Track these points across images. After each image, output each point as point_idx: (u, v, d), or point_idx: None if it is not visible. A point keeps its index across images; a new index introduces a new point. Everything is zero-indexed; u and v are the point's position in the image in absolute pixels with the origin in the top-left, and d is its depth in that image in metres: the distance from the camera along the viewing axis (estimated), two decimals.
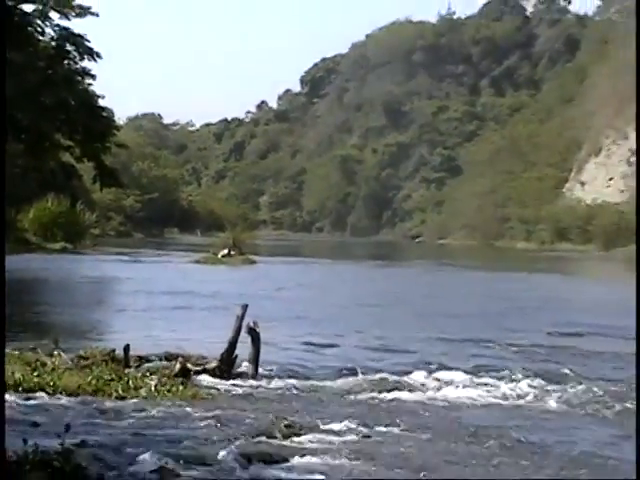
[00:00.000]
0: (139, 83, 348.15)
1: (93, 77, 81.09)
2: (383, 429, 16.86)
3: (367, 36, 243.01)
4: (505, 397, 21.17)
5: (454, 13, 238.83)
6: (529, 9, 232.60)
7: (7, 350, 21.84)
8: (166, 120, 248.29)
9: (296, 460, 14.51)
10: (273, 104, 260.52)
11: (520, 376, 22.94)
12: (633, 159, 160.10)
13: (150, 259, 76.06)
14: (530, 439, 16.90)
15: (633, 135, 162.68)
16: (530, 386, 22.06)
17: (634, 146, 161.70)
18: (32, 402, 17.85)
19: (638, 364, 7.04)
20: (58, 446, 13.40)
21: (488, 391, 21.63)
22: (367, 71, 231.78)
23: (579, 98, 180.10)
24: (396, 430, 16.95)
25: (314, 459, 14.61)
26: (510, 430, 17.59)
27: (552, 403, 20.74)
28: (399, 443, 16.13)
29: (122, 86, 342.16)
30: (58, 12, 78.52)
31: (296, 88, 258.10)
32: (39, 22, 78.76)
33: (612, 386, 22.49)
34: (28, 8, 76.74)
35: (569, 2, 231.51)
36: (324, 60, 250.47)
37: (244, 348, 22.28)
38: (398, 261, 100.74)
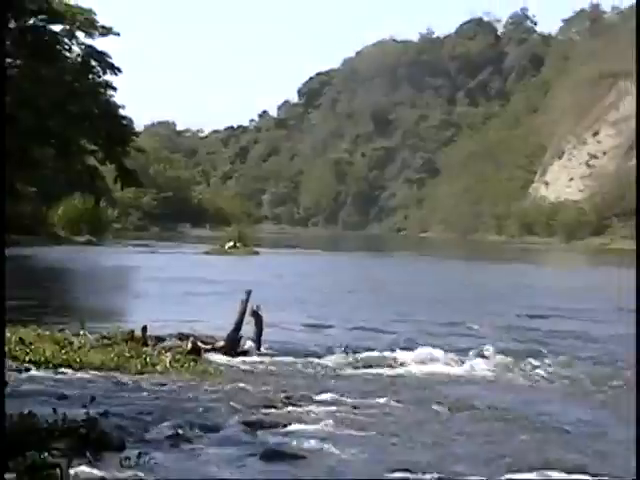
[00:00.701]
0: (156, 94, 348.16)
1: (114, 89, 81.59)
2: (370, 400, 16.92)
3: (357, 53, 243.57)
4: (479, 371, 21.26)
5: (433, 33, 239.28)
6: (500, 29, 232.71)
7: (39, 330, 21.99)
8: (179, 127, 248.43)
9: (294, 426, 14.58)
10: (273, 113, 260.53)
11: (492, 353, 23.00)
12: (591, 162, 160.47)
13: (164, 250, 75.99)
14: (500, 406, 17.00)
15: (591, 140, 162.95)
16: (501, 362, 22.16)
17: (592, 150, 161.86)
18: (60, 377, 17.88)
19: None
20: (84, 415, 13.55)
21: (463, 366, 21.73)
22: (357, 84, 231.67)
23: (543, 108, 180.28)
24: (381, 401, 17.01)
25: (309, 426, 14.69)
26: (482, 399, 17.70)
27: (520, 376, 20.84)
28: (384, 412, 16.22)
29: (141, 96, 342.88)
30: (84, 32, 78.92)
31: (294, 99, 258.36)
32: (67, 41, 79.16)
33: (573, 360, 22.68)
34: (57, 28, 77.18)
35: (535, 23, 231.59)
36: (319, 74, 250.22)
37: (248, 329, 22.36)
38: (384, 252, 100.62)
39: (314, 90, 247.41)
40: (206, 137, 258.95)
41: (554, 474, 12.13)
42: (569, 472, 12.20)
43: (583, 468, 12.43)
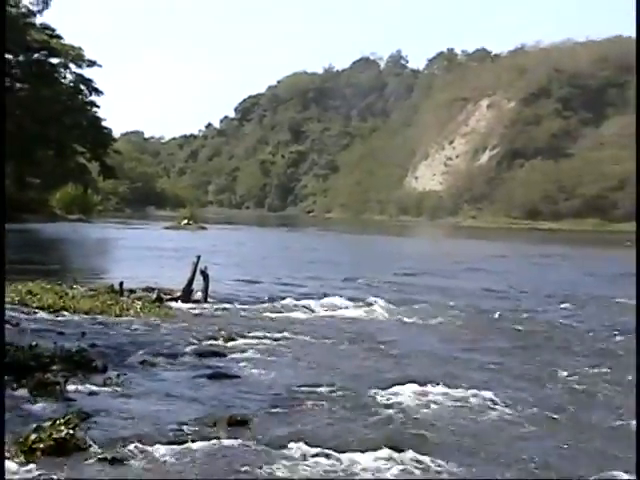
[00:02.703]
0: (128, 110, 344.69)
1: (98, 106, 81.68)
2: (288, 335, 16.97)
3: (278, 81, 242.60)
4: (368, 314, 21.37)
5: (334, 67, 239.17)
6: (382, 65, 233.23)
7: (42, 284, 21.77)
8: (146, 135, 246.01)
9: (232, 355, 14.59)
10: (216, 125, 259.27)
11: (378, 301, 23.12)
12: (448, 162, 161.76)
13: (136, 226, 75.31)
14: (384, 339, 17.13)
15: (448, 147, 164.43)
16: (384, 307, 22.25)
17: (448, 154, 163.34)
18: (59, 318, 17.68)
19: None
20: (77, 347, 13.61)
21: (357, 311, 21.84)
22: (278, 104, 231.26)
23: (414, 124, 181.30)
24: (296, 336, 17.07)
25: (243, 354, 14.70)
26: (372, 334, 17.83)
27: (399, 317, 20.97)
28: (300, 344, 16.28)
29: (117, 111, 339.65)
30: (75, 64, 78.82)
31: (231, 114, 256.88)
32: (62, 70, 78.89)
33: (436, 307, 22.91)
34: (55, 60, 76.79)
35: (407, 61, 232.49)
36: (250, 96, 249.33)
37: (198, 284, 22.29)
38: (298, 228, 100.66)
39: (246, 108, 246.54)
40: (166, 142, 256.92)
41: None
42: (423, 384, 12.31)
43: (432, 377, 12.60)
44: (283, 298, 23.42)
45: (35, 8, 71.95)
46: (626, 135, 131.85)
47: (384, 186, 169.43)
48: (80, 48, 78.14)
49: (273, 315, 20.47)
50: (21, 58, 72.49)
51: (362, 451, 9.04)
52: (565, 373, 14.26)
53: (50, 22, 77.07)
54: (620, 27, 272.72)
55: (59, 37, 76.68)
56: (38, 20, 74.17)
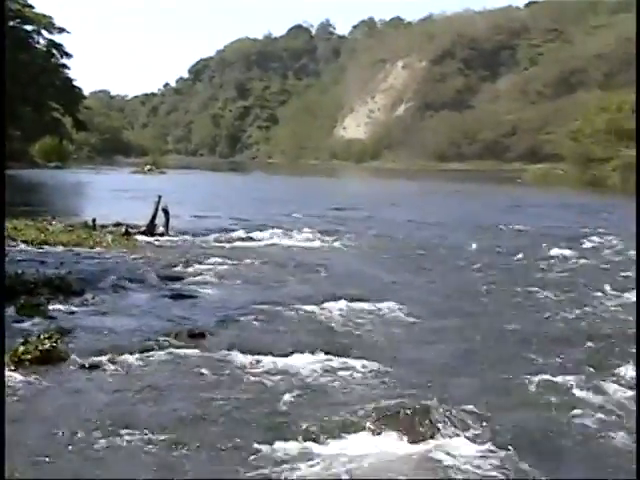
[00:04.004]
0: (96, 71, 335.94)
1: (69, 68, 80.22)
2: (237, 261, 16.98)
3: (225, 46, 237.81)
4: (303, 242, 21.43)
5: (272, 34, 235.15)
6: (313, 32, 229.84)
7: (26, 221, 21.44)
8: (112, 93, 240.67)
9: (191, 278, 14.60)
10: (173, 84, 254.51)
11: (314, 231, 23.15)
12: (370, 115, 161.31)
13: (105, 172, 74.06)
14: (317, 263, 17.22)
15: (370, 101, 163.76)
16: (317, 237, 22.31)
17: (371, 107, 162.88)
18: (41, 250, 17.43)
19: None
20: (57, 273, 13.43)
21: (293, 239, 21.89)
22: (225, 66, 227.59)
23: (342, 82, 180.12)
24: (248, 261, 17.10)
25: (200, 278, 14.72)
26: (308, 259, 17.92)
27: (331, 245, 21.10)
28: (248, 269, 16.31)
29: (86, 71, 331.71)
30: (47, 30, 77.22)
31: (186, 75, 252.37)
32: (36, 36, 77.34)
33: (361, 235, 23.06)
34: (28, 27, 75.04)
35: (334, 28, 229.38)
36: (201, 59, 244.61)
37: (160, 219, 22.10)
38: (244, 171, 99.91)
39: (198, 69, 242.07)
40: (130, 100, 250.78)
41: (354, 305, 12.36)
42: (349, 300, 12.44)
43: (357, 294, 12.74)
44: (233, 230, 23.32)
45: None
46: (517, 90, 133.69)
47: (317, 135, 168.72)
48: (50, 17, 77.14)
49: (224, 245, 20.42)
50: None
51: (300, 354, 9.18)
52: (466, 286, 14.55)
53: None
54: None
55: (31, 7, 75.34)
56: None
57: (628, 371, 8.63)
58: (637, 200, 15.35)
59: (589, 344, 10.10)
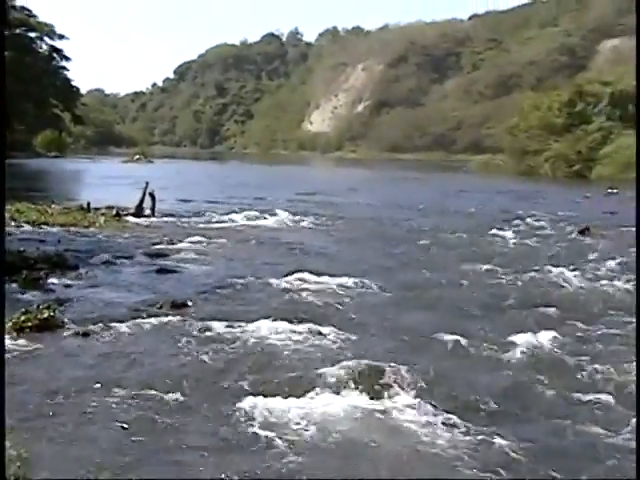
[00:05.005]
0: (92, 72, 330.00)
1: (68, 70, 79.43)
2: (216, 240, 16.87)
3: (206, 50, 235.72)
4: (275, 223, 21.33)
5: (247, 40, 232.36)
6: (284, 39, 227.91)
7: (28, 205, 21.13)
8: (106, 92, 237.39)
9: (174, 255, 14.48)
10: (160, 84, 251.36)
11: (284, 213, 23.06)
12: (334, 111, 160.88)
13: (99, 161, 73.12)
14: (288, 241, 17.18)
15: (333, 99, 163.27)
16: (288, 218, 22.24)
17: (334, 104, 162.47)
18: (41, 230, 17.20)
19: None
20: (55, 251, 13.26)
21: (266, 221, 21.77)
22: (206, 67, 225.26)
23: (309, 82, 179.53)
24: (226, 240, 16.98)
25: (184, 254, 14.61)
26: (279, 237, 17.86)
27: (300, 225, 21.05)
28: (226, 246, 16.23)
29: (83, 72, 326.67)
30: (48, 37, 76.58)
31: (172, 76, 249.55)
32: (38, 42, 76.67)
33: (327, 217, 22.97)
34: (32, 34, 74.14)
35: (302, 35, 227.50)
36: (185, 62, 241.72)
37: (148, 203, 21.90)
38: (222, 161, 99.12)
39: (182, 71, 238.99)
40: (122, 97, 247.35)
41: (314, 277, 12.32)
42: (316, 273, 12.39)
43: (323, 268, 12.71)
44: (213, 212, 23.20)
45: None
46: (461, 90, 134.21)
47: (287, 129, 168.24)
48: (52, 25, 77.68)
49: (205, 225, 20.28)
50: (6, 33, 69.87)
51: (270, 321, 9.15)
52: (418, 262, 14.60)
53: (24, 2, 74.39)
54: (456, 12, 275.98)
55: (35, 16, 75.11)
56: (18, 2, 72.18)
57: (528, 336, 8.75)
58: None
59: (512, 312, 10.30)
